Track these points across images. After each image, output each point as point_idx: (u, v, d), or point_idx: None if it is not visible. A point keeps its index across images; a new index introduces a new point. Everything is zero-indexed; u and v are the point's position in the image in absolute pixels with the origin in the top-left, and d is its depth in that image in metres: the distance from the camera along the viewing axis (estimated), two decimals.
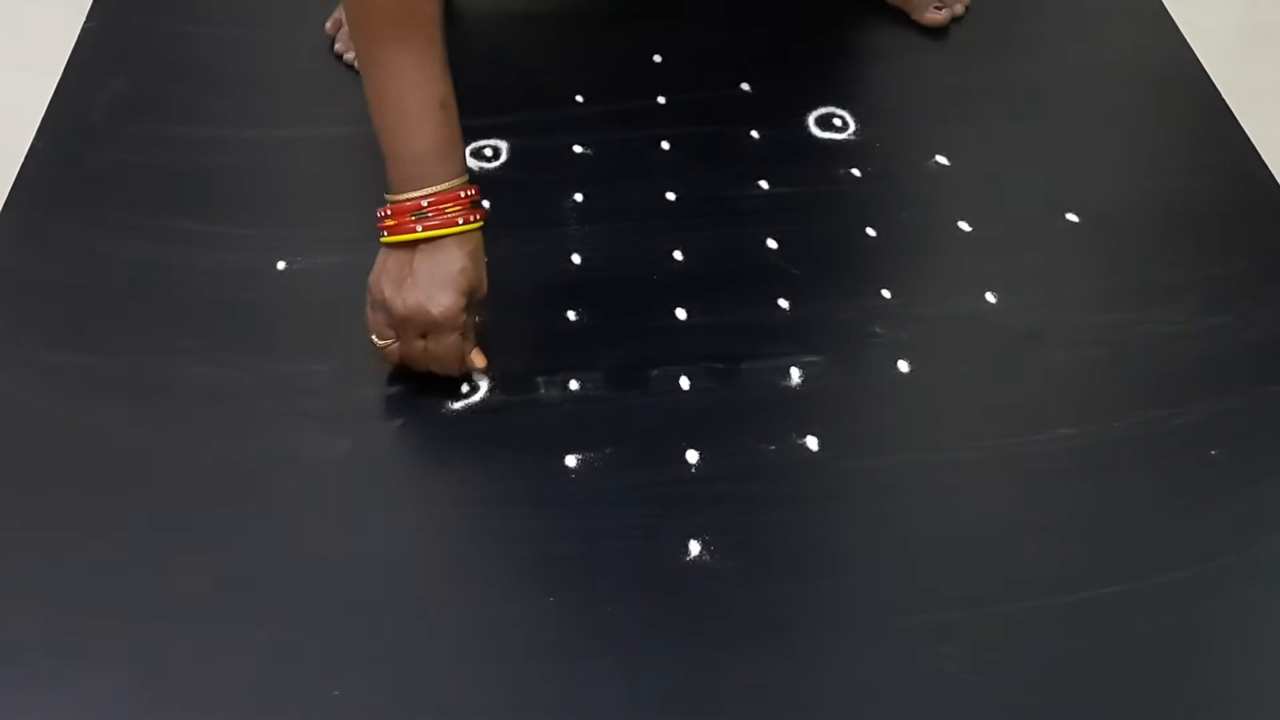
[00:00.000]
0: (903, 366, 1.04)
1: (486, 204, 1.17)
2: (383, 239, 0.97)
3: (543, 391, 1.02)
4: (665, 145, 1.24)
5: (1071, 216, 1.17)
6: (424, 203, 0.95)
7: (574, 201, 1.18)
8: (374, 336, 0.99)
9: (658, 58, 1.34)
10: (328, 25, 1.35)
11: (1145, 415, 1.01)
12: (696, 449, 0.98)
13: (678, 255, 1.13)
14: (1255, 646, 0.88)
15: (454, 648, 0.87)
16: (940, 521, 0.94)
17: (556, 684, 0.85)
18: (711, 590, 0.89)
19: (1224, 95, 1.28)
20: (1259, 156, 1.22)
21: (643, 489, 0.96)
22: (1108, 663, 0.86)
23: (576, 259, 1.13)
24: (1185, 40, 1.35)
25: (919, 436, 1.00)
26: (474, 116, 1.25)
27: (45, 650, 0.86)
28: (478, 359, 1.00)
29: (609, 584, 0.90)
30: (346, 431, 0.99)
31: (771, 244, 1.14)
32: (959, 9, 1.38)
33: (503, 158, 1.23)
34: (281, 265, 1.12)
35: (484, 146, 1.23)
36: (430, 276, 0.95)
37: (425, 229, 0.95)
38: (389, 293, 0.96)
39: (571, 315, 1.08)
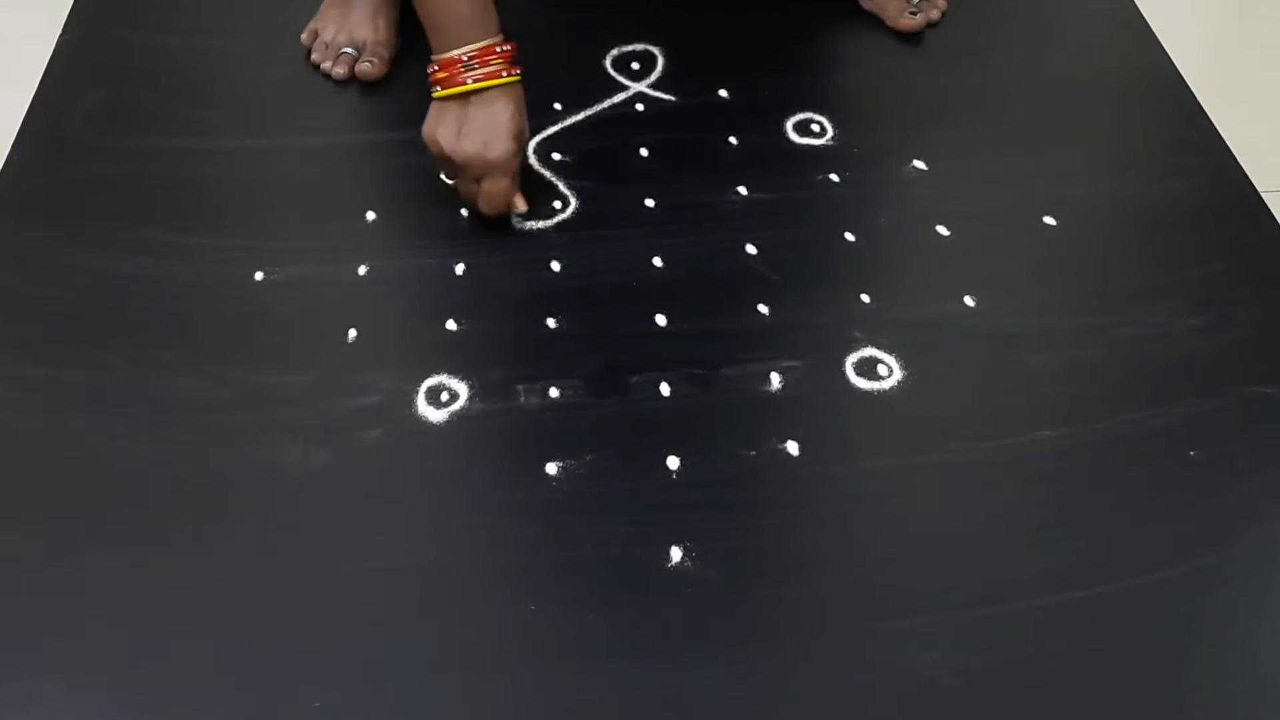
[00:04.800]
0: (882, 370, 1.04)
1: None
2: (435, 94, 1.10)
3: (522, 399, 1.02)
4: (644, 152, 1.24)
5: (1049, 220, 1.17)
6: (465, 58, 1.07)
7: (553, 209, 1.18)
8: (442, 176, 1.14)
9: (635, 65, 1.34)
10: (304, 36, 1.34)
11: (1124, 417, 1.01)
12: (677, 455, 0.98)
13: (657, 262, 1.13)
14: (1234, 647, 0.88)
15: (434, 658, 0.86)
16: (921, 525, 0.94)
17: (538, 692, 0.85)
18: (693, 596, 0.89)
19: (1199, 98, 1.29)
20: (1234, 159, 1.23)
21: (624, 496, 0.95)
22: (1088, 665, 0.86)
23: (556, 266, 1.13)
24: (1160, 44, 1.36)
25: (899, 441, 1.00)
26: None
27: (19, 668, 0.86)
28: (520, 203, 1.14)
29: (590, 591, 0.90)
30: (325, 443, 0.99)
31: (750, 249, 1.14)
32: (934, 14, 1.38)
33: None
34: (259, 276, 1.11)
35: None
36: (484, 126, 1.09)
37: (474, 81, 1.07)
38: (447, 143, 1.09)
39: (551, 323, 1.08)
